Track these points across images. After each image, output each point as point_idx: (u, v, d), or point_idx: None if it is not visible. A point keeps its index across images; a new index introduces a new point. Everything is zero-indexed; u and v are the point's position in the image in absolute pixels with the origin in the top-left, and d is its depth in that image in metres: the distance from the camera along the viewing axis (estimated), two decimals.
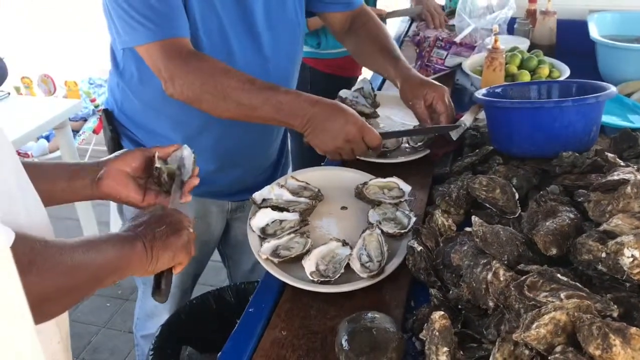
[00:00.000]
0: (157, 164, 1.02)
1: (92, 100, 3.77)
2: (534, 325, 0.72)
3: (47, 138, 3.44)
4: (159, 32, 1.18)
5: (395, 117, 1.64)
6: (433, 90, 1.38)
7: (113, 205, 2.44)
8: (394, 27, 2.77)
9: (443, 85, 1.41)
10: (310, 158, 1.92)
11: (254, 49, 1.34)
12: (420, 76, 1.45)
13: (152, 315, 1.63)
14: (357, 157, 1.31)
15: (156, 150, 1.04)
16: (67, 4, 7.27)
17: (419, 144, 1.46)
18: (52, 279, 0.71)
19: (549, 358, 0.71)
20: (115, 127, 1.47)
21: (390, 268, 1.07)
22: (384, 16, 2.34)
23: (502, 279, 0.85)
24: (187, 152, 1.06)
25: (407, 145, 1.50)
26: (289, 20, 1.41)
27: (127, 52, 1.29)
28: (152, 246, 0.87)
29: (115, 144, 1.46)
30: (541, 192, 1.09)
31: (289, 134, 1.79)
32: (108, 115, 1.47)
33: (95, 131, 3.62)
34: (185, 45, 1.21)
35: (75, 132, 3.45)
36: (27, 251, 0.68)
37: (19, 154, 3.17)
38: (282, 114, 1.22)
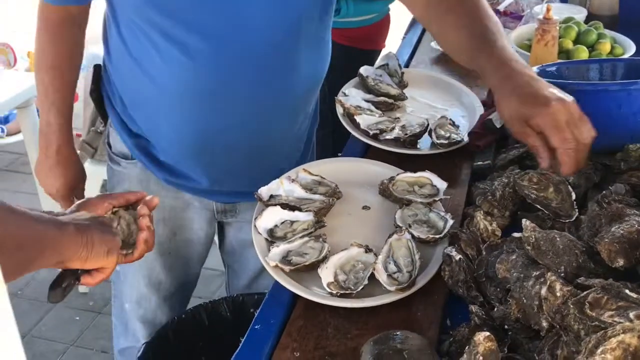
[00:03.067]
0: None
1: None
2: (598, 350, 0.72)
3: (7, 119, 3.45)
4: None
5: (422, 98, 1.63)
6: (539, 114, 1.07)
7: None
8: None
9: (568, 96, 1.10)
10: (324, 147, 1.93)
11: None
12: (529, 82, 1.12)
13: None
14: None
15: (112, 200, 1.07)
16: None
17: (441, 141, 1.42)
18: None
19: None
20: (99, 87, 1.51)
21: (422, 280, 1.08)
22: None
23: (558, 294, 0.85)
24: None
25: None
26: None
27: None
28: (85, 232, 0.90)
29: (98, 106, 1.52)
30: (604, 192, 1.09)
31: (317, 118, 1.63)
32: (97, 72, 1.51)
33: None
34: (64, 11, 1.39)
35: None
36: None
37: None
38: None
